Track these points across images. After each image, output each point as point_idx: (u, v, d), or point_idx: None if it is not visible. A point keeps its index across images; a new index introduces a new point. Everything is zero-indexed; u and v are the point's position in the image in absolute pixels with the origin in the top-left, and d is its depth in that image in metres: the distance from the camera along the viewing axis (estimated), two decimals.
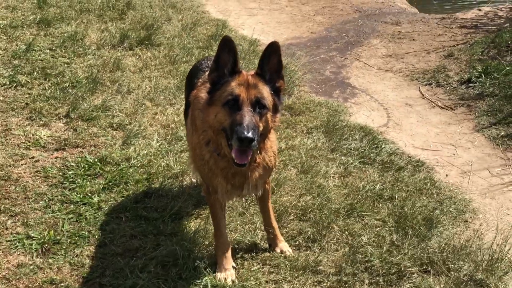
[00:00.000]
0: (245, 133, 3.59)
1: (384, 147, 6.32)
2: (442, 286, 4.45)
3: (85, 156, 5.59)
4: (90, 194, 5.12)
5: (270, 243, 4.70)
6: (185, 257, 4.42)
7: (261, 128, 3.81)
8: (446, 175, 6.04)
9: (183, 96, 6.84)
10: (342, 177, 5.75)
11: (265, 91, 3.84)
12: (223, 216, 4.47)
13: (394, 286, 4.44)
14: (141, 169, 5.51)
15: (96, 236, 4.68)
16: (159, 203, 5.10)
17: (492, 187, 5.89)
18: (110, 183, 5.27)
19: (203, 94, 4.18)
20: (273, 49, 3.87)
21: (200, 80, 4.60)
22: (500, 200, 5.68)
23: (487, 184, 5.95)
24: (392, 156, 6.18)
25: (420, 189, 5.64)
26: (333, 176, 5.72)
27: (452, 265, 4.61)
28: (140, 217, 4.91)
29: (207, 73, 4.47)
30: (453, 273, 4.56)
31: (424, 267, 4.63)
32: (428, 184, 5.73)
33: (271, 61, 3.89)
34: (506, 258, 4.74)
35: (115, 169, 5.46)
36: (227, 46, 3.84)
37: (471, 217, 5.39)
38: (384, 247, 4.73)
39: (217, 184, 4.18)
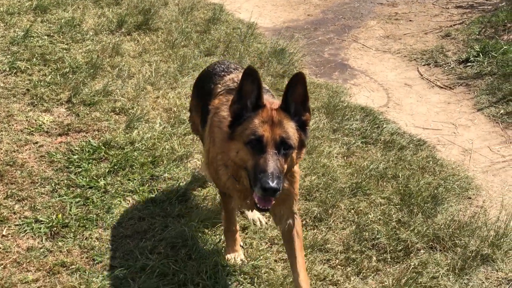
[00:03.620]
0: (270, 183, 3.37)
1: (385, 127, 6.36)
2: (449, 261, 4.51)
3: (89, 141, 5.59)
4: (96, 178, 5.13)
5: None
6: (194, 238, 4.46)
7: (285, 171, 3.61)
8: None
9: (184, 79, 6.87)
10: (345, 157, 5.79)
11: (291, 129, 3.60)
12: (235, 216, 4.43)
13: (401, 262, 4.49)
14: (146, 152, 5.52)
15: (104, 219, 4.70)
16: (165, 185, 5.13)
17: (493, 165, 5.94)
18: (116, 167, 5.28)
19: (225, 113, 3.90)
20: (298, 79, 3.61)
21: (219, 85, 4.36)
22: (502, 177, 5.74)
23: (489, 161, 6.00)
24: (394, 135, 6.22)
25: (423, 167, 5.68)
26: (336, 156, 5.75)
27: (458, 241, 4.67)
28: (147, 200, 4.94)
29: (227, 77, 4.41)
30: (459, 249, 4.62)
31: (431, 243, 4.69)
32: (431, 162, 5.78)
33: (296, 92, 3.64)
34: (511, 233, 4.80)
35: (119, 152, 5.47)
36: (251, 76, 3.60)
37: (474, 194, 5.44)
38: (391, 225, 4.78)
39: (233, 196, 4.07)
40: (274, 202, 3.59)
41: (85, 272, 4.17)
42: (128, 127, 5.86)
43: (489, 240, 4.67)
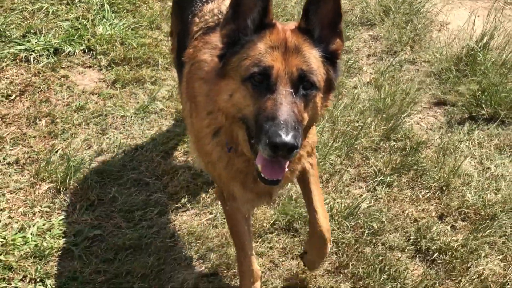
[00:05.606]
0: (283, 136, 2.27)
1: None
2: None
3: None
4: None
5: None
6: None
7: (305, 121, 2.49)
8: None
9: None
10: None
11: (314, 59, 2.51)
12: (248, 230, 3.27)
13: None
14: None
15: None
16: None
17: None
18: None
19: (206, 56, 2.84)
20: None
21: (197, 20, 3.16)
22: None
23: None
24: None
25: None
26: None
27: None
28: None
29: (207, 7, 3.23)
30: None
31: None
32: None
33: (323, 8, 2.51)
34: None
35: None
36: None
37: None
38: None
39: (233, 189, 2.94)
40: (286, 169, 2.50)
41: None
42: None
43: None
